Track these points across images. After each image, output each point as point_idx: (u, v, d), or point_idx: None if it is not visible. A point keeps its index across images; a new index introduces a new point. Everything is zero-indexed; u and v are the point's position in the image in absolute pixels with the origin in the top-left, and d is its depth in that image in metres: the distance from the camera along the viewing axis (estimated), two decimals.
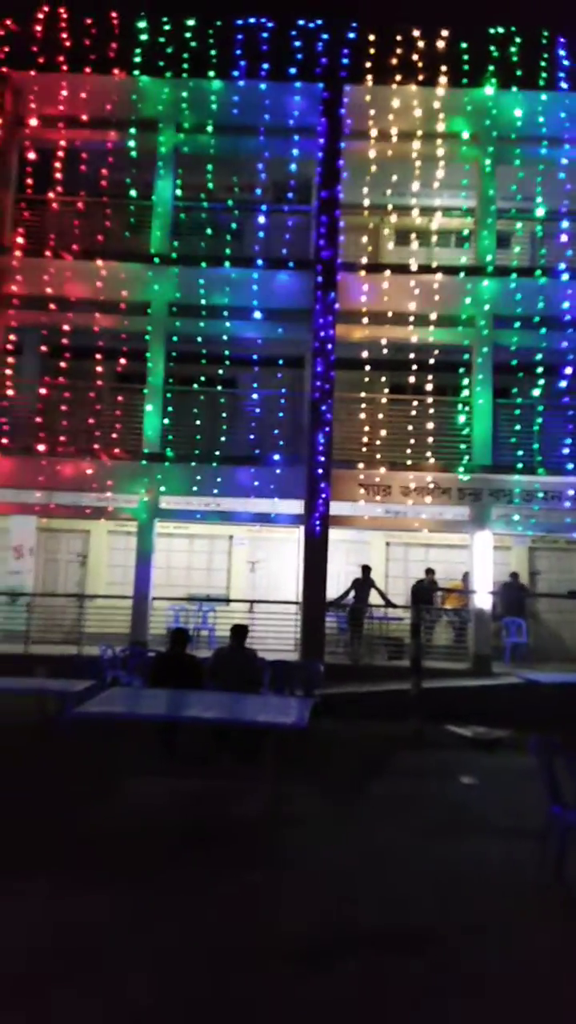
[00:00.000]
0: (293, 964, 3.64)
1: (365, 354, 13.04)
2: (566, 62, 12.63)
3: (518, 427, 12.81)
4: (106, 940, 3.80)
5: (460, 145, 13.15)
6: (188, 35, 12.52)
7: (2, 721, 8.40)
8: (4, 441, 12.38)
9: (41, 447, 12.28)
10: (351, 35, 12.60)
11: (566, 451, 12.59)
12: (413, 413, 12.83)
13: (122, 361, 12.92)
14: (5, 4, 12.64)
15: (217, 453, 12.50)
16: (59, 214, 13.04)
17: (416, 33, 12.61)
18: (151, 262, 12.60)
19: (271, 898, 4.40)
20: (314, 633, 11.77)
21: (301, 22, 12.66)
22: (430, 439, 12.67)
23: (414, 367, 13.06)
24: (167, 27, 12.50)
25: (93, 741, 7.25)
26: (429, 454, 12.57)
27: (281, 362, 13.49)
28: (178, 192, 13.18)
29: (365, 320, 12.84)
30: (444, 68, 12.54)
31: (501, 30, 12.68)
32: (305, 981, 3.51)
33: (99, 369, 13.01)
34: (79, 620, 12.56)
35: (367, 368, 13.20)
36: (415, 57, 12.58)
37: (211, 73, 12.49)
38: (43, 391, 12.97)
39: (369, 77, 12.55)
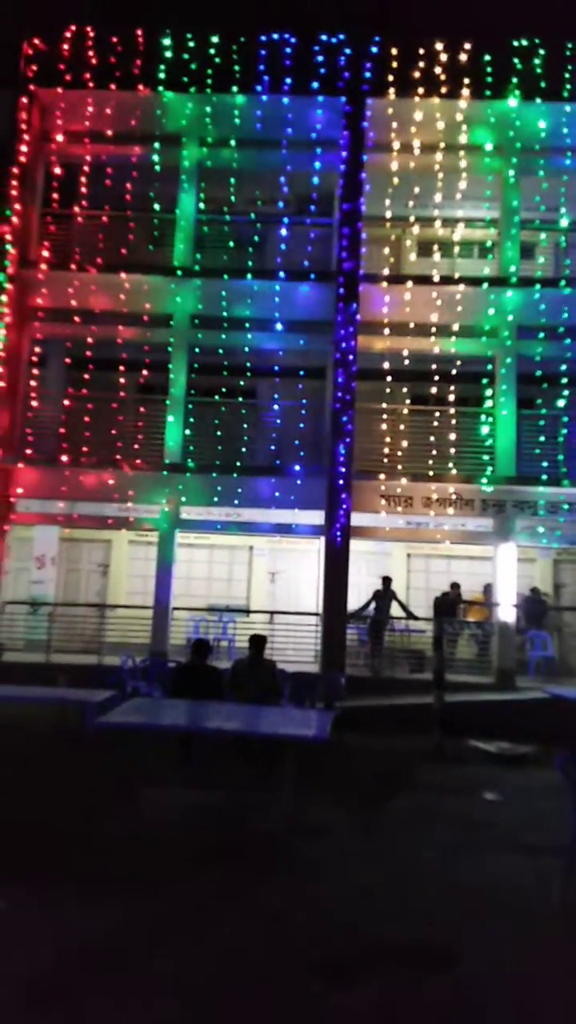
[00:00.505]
0: (315, 979, 3.57)
1: (386, 365, 13.01)
2: None
3: (542, 438, 12.68)
4: (125, 952, 3.76)
5: (483, 157, 13.14)
6: (212, 51, 12.68)
7: (26, 730, 8.43)
8: (28, 452, 12.51)
9: (64, 458, 12.39)
10: (373, 49, 12.68)
11: None
12: (435, 424, 12.76)
13: (144, 373, 13.03)
14: (33, 24, 12.91)
15: (238, 464, 12.52)
16: (84, 228, 13.24)
17: (439, 46, 12.65)
18: (174, 275, 12.72)
19: (292, 912, 4.33)
20: (334, 645, 11.69)
21: (324, 37, 12.77)
22: (452, 450, 12.59)
23: (436, 378, 13.01)
24: (191, 43, 12.68)
25: (114, 751, 7.23)
26: (451, 465, 12.48)
27: (302, 373, 13.51)
28: (201, 205, 13.31)
29: (387, 331, 12.83)
30: (467, 80, 12.57)
31: (525, 42, 12.68)
32: (327, 997, 3.44)
33: (122, 380, 13.13)
34: (100, 630, 12.59)
35: (388, 379, 13.16)
36: (438, 70, 12.62)
37: (234, 88, 12.63)
38: (67, 402, 13.11)
39: (392, 90, 12.60)
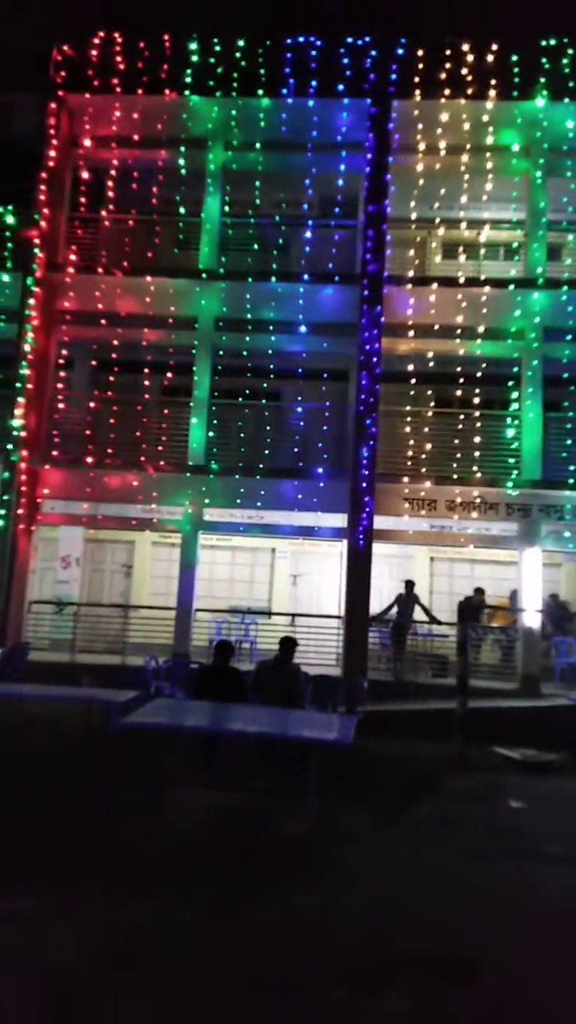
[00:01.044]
0: (343, 987, 3.55)
1: (411, 367, 12.95)
2: None
3: (569, 441, 12.54)
4: (150, 954, 3.76)
5: (510, 157, 13.03)
6: (238, 55, 12.73)
7: (52, 729, 8.51)
8: (55, 453, 12.65)
9: (89, 459, 12.50)
10: (399, 51, 12.64)
11: None
12: (460, 427, 12.66)
13: (169, 375, 13.14)
14: (62, 30, 13.06)
15: (261, 466, 12.53)
16: (110, 232, 13.36)
17: (465, 47, 12.57)
18: (199, 277, 12.77)
19: (318, 918, 4.31)
20: (357, 648, 11.64)
21: (349, 39, 12.75)
22: (477, 453, 12.48)
23: (461, 380, 12.92)
24: (217, 47, 12.73)
25: (138, 751, 7.26)
26: (476, 468, 12.38)
27: (326, 375, 13.50)
28: (226, 208, 13.35)
29: (411, 333, 12.78)
30: (494, 81, 12.47)
31: (552, 41, 12.55)
32: (355, 1005, 3.42)
33: (146, 383, 13.23)
34: (123, 630, 12.68)
35: (413, 381, 13.10)
36: (464, 71, 12.54)
37: (260, 91, 12.66)
38: (92, 404, 13.23)
39: (417, 92, 12.54)
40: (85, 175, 13.37)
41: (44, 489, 12.59)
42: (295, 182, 13.24)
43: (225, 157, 13.33)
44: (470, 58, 12.56)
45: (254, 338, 13.10)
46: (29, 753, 7.69)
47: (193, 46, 12.74)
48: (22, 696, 8.56)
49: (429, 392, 13.51)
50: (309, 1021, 3.30)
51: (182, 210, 13.37)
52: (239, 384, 13.31)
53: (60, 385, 13.29)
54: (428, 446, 12.60)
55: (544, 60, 12.50)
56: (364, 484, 12.02)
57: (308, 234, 13.24)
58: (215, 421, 12.97)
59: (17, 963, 3.60)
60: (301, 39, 12.74)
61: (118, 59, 12.80)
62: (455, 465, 12.39)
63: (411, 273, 13.30)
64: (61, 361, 13.40)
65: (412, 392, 13.30)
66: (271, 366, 13.32)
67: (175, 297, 12.84)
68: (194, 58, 12.74)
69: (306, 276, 12.65)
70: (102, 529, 14.28)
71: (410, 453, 12.61)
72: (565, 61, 12.48)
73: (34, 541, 12.70)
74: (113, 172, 13.31)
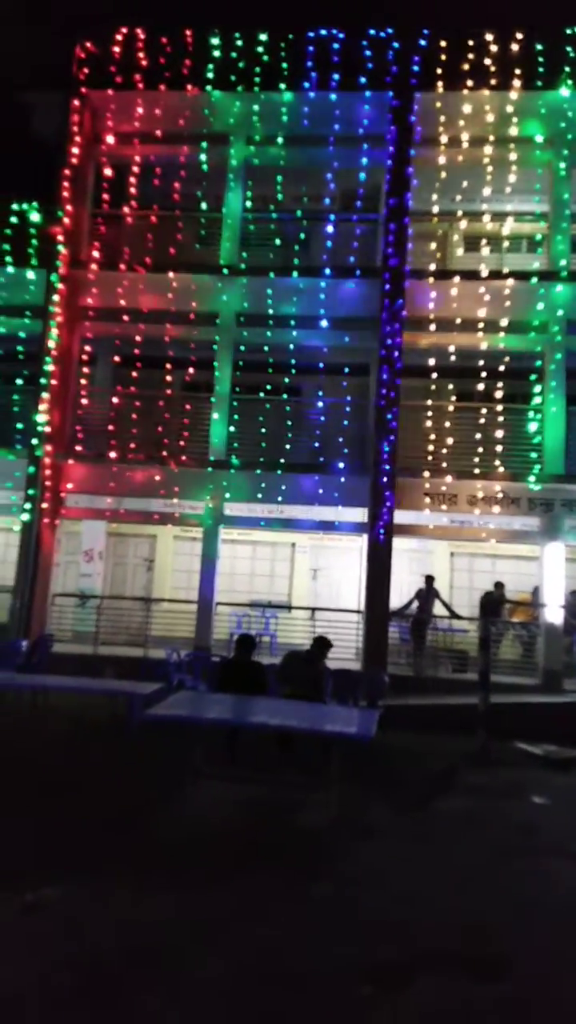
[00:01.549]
0: (368, 983, 3.57)
1: (432, 361, 12.90)
2: None
3: None
4: (174, 948, 3.82)
5: (533, 149, 12.89)
6: (259, 49, 12.72)
7: (76, 720, 8.65)
8: (78, 448, 12.79)
9: (112, 454, 12.62)
10: (422, 42, 12.55)
11: None
12: (481, 421, 12.59)
13: (190, 370, 13.20)
14: (85, 27, 13.14)
15: (282, 461, 12.57)
16: (133, 228, 13.43)
17: (489, 37, 12.44)
18: (220, 273, 12.81)
19: (341, 913, 4.34)
20: (377, 643, 11.66)
21: (372, 31, 12.68)
22: (499, 447, 12.41)
23: (483, 374, 12.83)
24: (239, 42, 12.73)
25: (160, 742, 7.36)
26: (498, 463, 12.31)
27: (347, 370, 13.49)
28: (248, 204, 13.38)
29: (433, 327, 12.72)
30: (518, 71, 12.35)
31: None
32: (381, 1001, 3.45)
33: (168, 378, 13.31)
34: (145, 623, 12.81)
35: (434, 375, 13.04)
36: (487, 61, 12.44)
37: (282, 85, 12.65)
38: (115, 400, 13.35)
39: (440, 83, 12.46)
40: (108, 171, 13.45)
41: (68, 483, 12.74)
42: (316, 176, 13.22)
43: (247, 152, 13.33)
44: (493, 48, 12.46)
45: (275, 333, 13.12)
46: (54, 744, 7.82)
47: (215, 41, 12.75)
48: (46, 687, 8.70)
49: (450, 386, 13.43)
50: (336, 1018, 3.33)
51: (204, 206, 13.41)
52: (260, 379, 13.34)
53: (83, 381, 13.42)
54: (449, 440, 12.56)
55: (569, 49, 12.35)
56: (385, 479, 12.01)
57: (329, 228, 13.21)
58: (236, 416, 13.03)
59: (44, 953, 3.66)
60: (323, 32, 12.70)
61: (140, 55, 12.86)
62: (476, 460, 12.34)
63: (433, 267, 13.24)
64: (84, 357, 13.54)
65: (433, 386, 13.23)
66: (292, 361, 13.34)
67: (197, 293, 12.89)
68: (216, 53, 12.75)
69: (327, 270, 12.63)
70: (124, 523, 14.42)
71: (431, 447, 12.57)
72: None
73: (58, 535, 12.88)
74: (135, 168, 13.38)
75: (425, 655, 12.14)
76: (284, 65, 12.66)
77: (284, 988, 3.50)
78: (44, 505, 12.31)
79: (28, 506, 12.25)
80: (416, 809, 6.52)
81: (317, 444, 12.99)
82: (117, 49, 12.93)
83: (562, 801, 6.94)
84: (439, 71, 12.47)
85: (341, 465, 12.46)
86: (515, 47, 12.39)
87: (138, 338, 13.25)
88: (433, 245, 13.98)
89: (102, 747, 7.77)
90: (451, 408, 13.02)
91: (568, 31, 12.41)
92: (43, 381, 12.46)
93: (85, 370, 13.52)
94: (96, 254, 13.13)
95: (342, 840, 5.58)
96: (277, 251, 13.18)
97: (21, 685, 8.78)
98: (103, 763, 7.17)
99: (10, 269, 13.04)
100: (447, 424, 12.75)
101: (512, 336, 12.76)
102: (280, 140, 13.14)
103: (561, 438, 12.28)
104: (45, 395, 12.43)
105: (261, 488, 12.50)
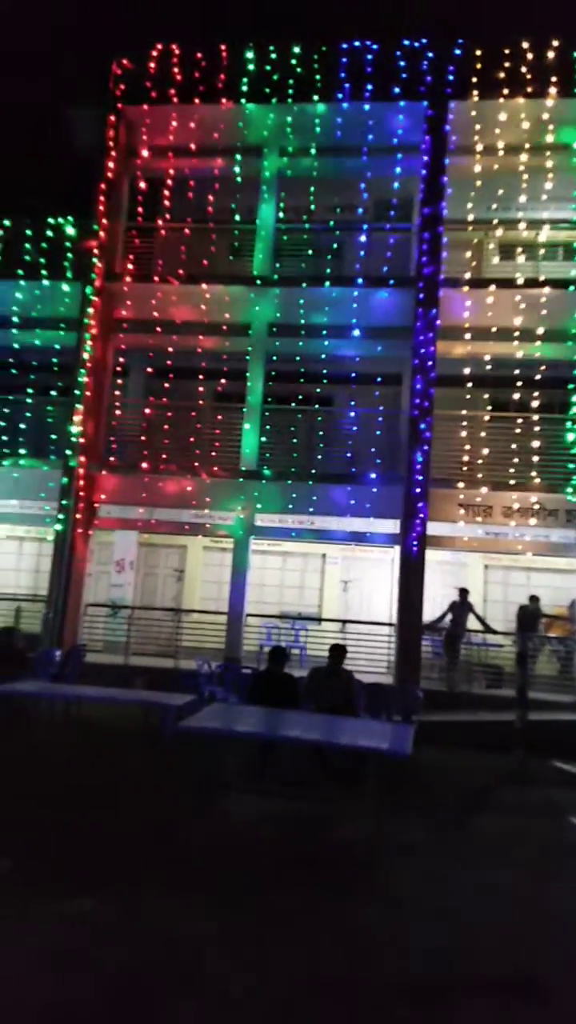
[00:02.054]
0: (406, 1006, 3.45)
1: (467, 371, 12.74)
2: None
3: None
4: (209, 961, 3.74)
5: (570, 156, 12.72)
6: (293, 61, 12.78)
7: (110, 730, 8.64)
8: (112, 459, 12.88)
9: (144, 465, 12.68)
10: (456, 51, 12.48)
11: None
12: (517, 431, 12.37)
13: (222, 381, 13.23)
14: (120, 43, 13.36)
15: (313, 471, 12.49)
16: (166, 240, 13.56)
17: (525, 44, 12.34)
18: (253, 284, 12.83)
19: (378, 933, 4.22)
20: (410, 657, 11.47)
21: (406, 42, 12.66)
22: (536, 458, 12.17)
23: (519, 383, 12.63)
24: (273, 55, 12.81)
25: (193, 754, 7.30)
26: (534, 474, 12.07)
27: (379, 380, 13.40)
28: (281, 215, 13.42)
29: (467, 336, 12.57)
30: (554, 78, 12.21)
31: None
32: (420, 1022, 3.32)
33: (200, 389, 13.36)
34: (175, 634, 12.80)
35: (468, 385, 12.87)
36: (523, 69, 12.32)
37: (315, 97, 12.69)
38: (147, 411, 13.43)
39: (475, 92, 12.38)
40: (142, 185, 13.62)
41: (101, 494, 12.83)
42: (350, 186, 13.21)
43: (280, 163, 13.39)
44: (529, 56, 12.33)
45: (307, 343, 13.10)
46: (89, 754, 7.81)
47: (249, 54, 12.84)
48: (80, 697, 8.70)
49: (486, 396, 13.25)
50: None
51: (237, 217, 13.49)
52: (292, 389, 13.33)
53: (117, 392, 13.54)
54: (484, 451, 12.36)
55: None
56: (418, 490, 11.85)
57: (363, 238, 13.17)
58: (268, 427, 13.01)
59: (83, 963, 3.62)
60: (357, 43, 12.71)
61: (175, 70, 13.02)
62: (512, 470, 12.11)
63: (468, 275, 13.09)
64: (118, 369, 13.66)
65: (467, 396, 13.06)
66: (324, 371, 13.30)
67: (229, 304, 12.93)
68: (250, 66, 12.85)
69: (360, 280, 12.57)
70: (155, 534, 14.47)
71: (465, 458, 12.39)
72: None
73: (91, 545, 12.95)
74: (169, 181, 13.51)
75: (459, 670, 11.90)
76: (317, 77, 12.70)
77: (322, 1007, 3.40)
78: (77, 516, 12.40)
79: (61, 516, 12.35)
80: (452, 827, 6.35)
81: (349, 454, 12.89)
82: (152, 65, 13.11)
83: None
84: (474, 80, 12.40)
85: (373, 476, 12.34)
86: (551, 54, 12.26)
87: (171, 349, 13.34)
88: (468, 253, 13.83)
89: (136, 758, 7.73)
90: (486, 418, 12.84)
91: None
92: (77, 392, 12.58)
93: (118, 381, 13.64)
94: (130, 267, 13.27)
95: (378, 857, 5.44)
96: (310, 261, 13.19)
97: (56, 695, 8.80)
98: (137, 774, 7.12)
99: (45, 282, 13.23)
100: (482, 434, 12.57)
101: (549, 344, 12.55)
102: (313, 151, 13.17)
103: None
104: (79, 406, 12.55)
105: (292, 499, 12.43)
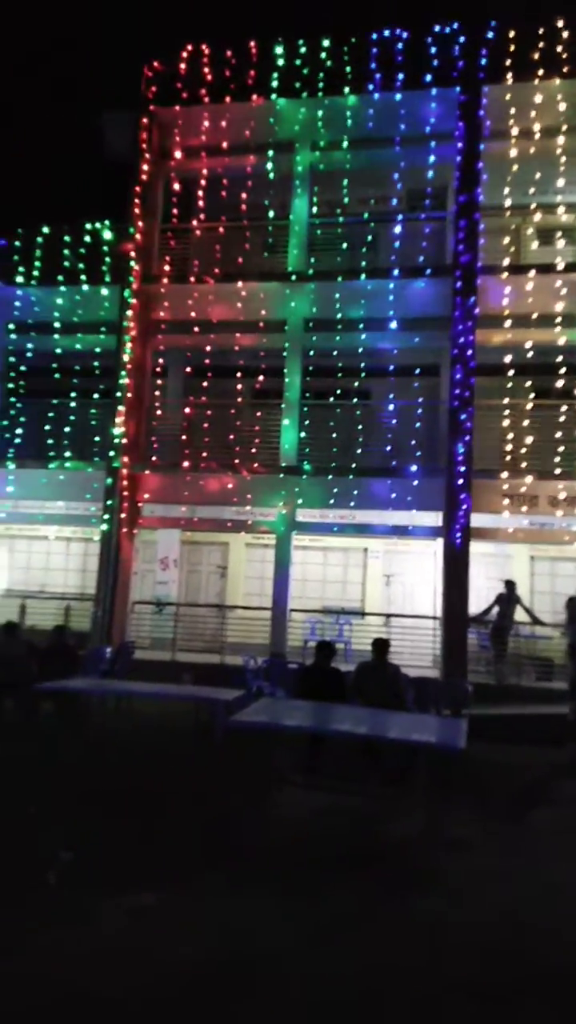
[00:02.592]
0: (473, 1003, 3.44)
1: (507, 359, 12.54)
2: None
3: None
4: (274, 956, 3.77)
5: None
6: (323, 55, 12.72)
7: (161, 726, 8.78)
8: (153, 459, 13.06)
9: (186, 463, 12.82)
10: (489, 34, 12.26)
11: None
12: (561, 418, 12.13)
13: (260, 378, 13.28)
14: (151, 47, 13.49)
15: (353, 465, 12.46)
16: (201, 240, 13.65)
17: (559, 24, 12.05)
18: (288, 280, 12.83)
19: (438, 930, 4.20)
20: (456, 650, 11.37)
21: (436, 28, 12.48)
22: None
23: (562, 370, 12.37)
24: (303, 49, 12.78)
25: (243, 748, 7.36)
26: None
27: (417, 371, 13.28)
28: (314, 209, 13.38)
29: (507, 324, 12.37)
30: None
31: None
32: (489, 1022, 3.31)
33: (238, 387, 13.43)
34: (220, 630, 12.93)
35: (510, 373, 12.67)
36: (559, 49, 12.04)
37: (346, 89, 12.62)
38: (187, 410, 13.57)
39: (509, 75, 12.15)
40: (176, 186, 13.73)
41: (144, 493, 13.01)
42: (383, 177, 13.10)
43: (312, 158, 13.35)
44: (565, 35, 12.04)
45: (344, 337, 13.06)
46: (142, 749, 7.95)
47: (279, 50, 12.83)
48: (132, 693, 8.86)
49: (527, 384, 13.01)
50: None
51: (271, 214, 13.49)
52: (329, 384, 13.30)
53: (157, 393, 13.70)
54: (528, 440, 12.15)
55: None
56: (460, 481, 11.72)
57: (397, 229, 13.05)
58: (307, 422, 13.01)
59: (146, 958, 3.68)
60: (387, 32, 12.59)
61: (205, 70, 13.08)
62: (557, 459, 11.89)
63: (506, 262, 12.86)
64: (157, 369, 13.82)
65: (509, 384, 12.85)
66: (361, 364, 13.24)
67: (265, 301, 12.97)
68: (280, 62, 12.83)
69: (396, 271, 12.47)
70: (197, 531, 14.62)
71: (508, 447, 12.20)
72: None
73: (135, 544, 13.15)
74: (203, 181, 13.60)
75: (507, 663, 11.74)
76: (348, 68, 12.62)
77: (388, 1004, 3.41)
78: (122, 515, 12.61)
79: (107, 516, 12.57)
80: (507, 822, 6.28)
81: (389, 447, 12.81)
82: (183, 66, 13.20)
83: None
84: (508, 63, 12.17)
85: (414, 468, 12.25)
86: None
87: (208, 348, 13.44)
88: (506, 240, 13.56)
89: (188, 753, 7.85)
90: (529, 406, 12.61)
91: None
92: (119, 394, 12.78)
93: (158, 382, 13.81)
94: (167, 268, 13.40)
95: (433, 853, 5.42)
96: (344, 255, 13.12)
97: (108, 691, 8.98)
98: (190, 769, 7.23)
99: (85, 287, 13.47)
100: (525, 423, 12.35)
101: None
102: (345, 144, 13.09)
103: None
104: (121, 408, 12.75)
105: (333, 493, 12.42)
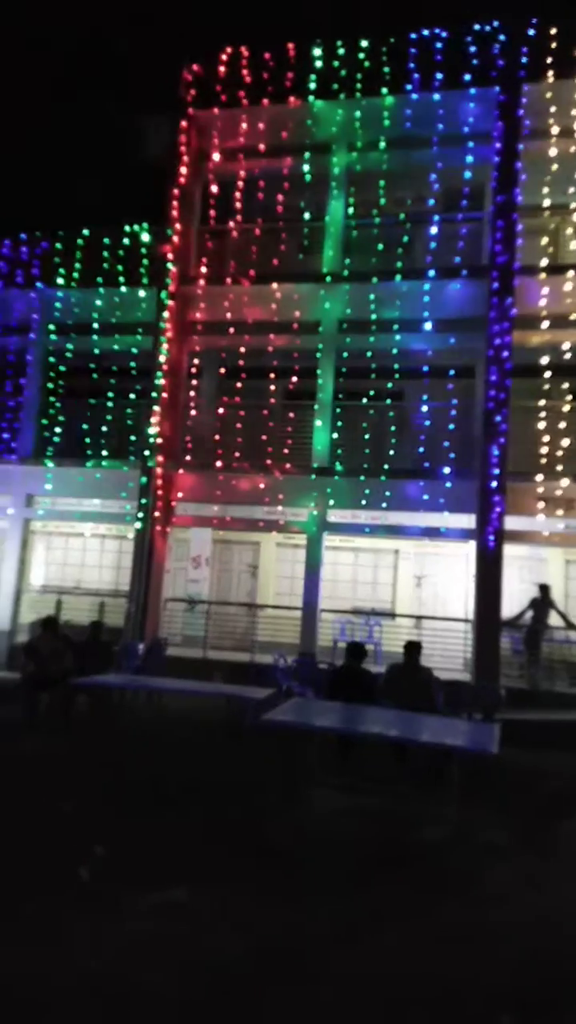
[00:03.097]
0: (509, 1012, 3.43)
1: (544, 360, 12.38)
2: None
3: None
4: (302, 955, 3.81)
5: None
6: (361, 55, 12.71)
7: (192, 722, 8.89)
8: (187, 458, 13.21)
9: (219, 463, 12.94)
10: (530, 32, 12.11)
11: None
12: None
13: (294, 379, 13.32)
14: (191, 50, 13.62)
15: (385, 467, 12.44)
16: (238, 241, 13.74)
17: None
18: (323, 281, 12.84)
19: (471, 936, 4.20)
20: (488, 654, 11.27)
21: (476, 27, 12.38)
22: None
23: None
24: (340, 50, 12.78)
25: (273, 747, 7.43)
26: None
27: (452, 373, 13.18)
28: (350, 210, 13.37)
29: (545, 324, 12.21)
30: None
31: None
32: None
33: (272, 387, 13.50)
34: (251, 628, 13.02)
35: (546, 375, 12.51)
36: None
37: (384, 90, 12.58)
38: (221, 411, 13.68)
39: (550, 73, 11.98)
40: (213, 188, 13.84)
41: (178, 492, 13.17)
42: (420, 178, 13.03)
43: (349, 159, 13.34)
44: None
45: (378, 338, 13.02)
46: (174, 746, 8.07)
47: (317, 51, 12.85)
48: (163, 689, 9.00)
49: (565, 385, 12.83)
50: None
51: (307, 215, 13.51)
52: (363, 385, 13.28)
53: (191, 393, 13.85)
54: (565, 442, 12.00)
55: None
56: (494, 483, 11.62)
57: (434, 229, 12.97)
58: (339, 423, 13.02)
59: (178, 953, 3.75)
60: (425, 32, 12.51)
61: (244, 72, 13.15)
62: None
63: (544, 262, 12.69)
64: (192, 370, 13.96)
65: (546, 386, 12.69)
66: (395, 366, 13.19)
67: (300, 302, 13.00)
68: (318, 63, 12.85)
69: (432, 272, 12.40)
70: (229, 531, 14.73)
71: (544, 450, 12.06)
72: None
73: (168, 542, 13.32)
74: (240, 183, 13.67)
75: (541, 667, 11.61)
76: (386, 69, 12.58)
77: (420, 1012, 3.42)
78: (156, 514, 12.78)
79: (141, 515, 12.76)
80: (540, 829, 6.24)
81: (422, 449, 12.75)
82: (222, 68, 13.30)
83: None
84: (548, 60, 12.00)
85: (447, 470, 12.17)
86: None
87: (242, 349, 13.52)
88: (544, 240, 13.39)
89: (218, 750, 7.94)
90: (566, 408, 12.44)
91: None
92: (154, 395, 12.94)
93: (193, 383, 13.94)
94: (203, 269, 13.52)
95: (465, 856, 5.42)
96: (380, 256, 13.08)
97: (141, 687, 9.13)
98: (220, 766, 7.32)
99: (123, 289, 13.67)
100: (562, 425, 12.19)
101: None
102: (382, 145, 13.05)
103: None
104: (156, 408, 12.91)
105: (365, 495, 12.41)
